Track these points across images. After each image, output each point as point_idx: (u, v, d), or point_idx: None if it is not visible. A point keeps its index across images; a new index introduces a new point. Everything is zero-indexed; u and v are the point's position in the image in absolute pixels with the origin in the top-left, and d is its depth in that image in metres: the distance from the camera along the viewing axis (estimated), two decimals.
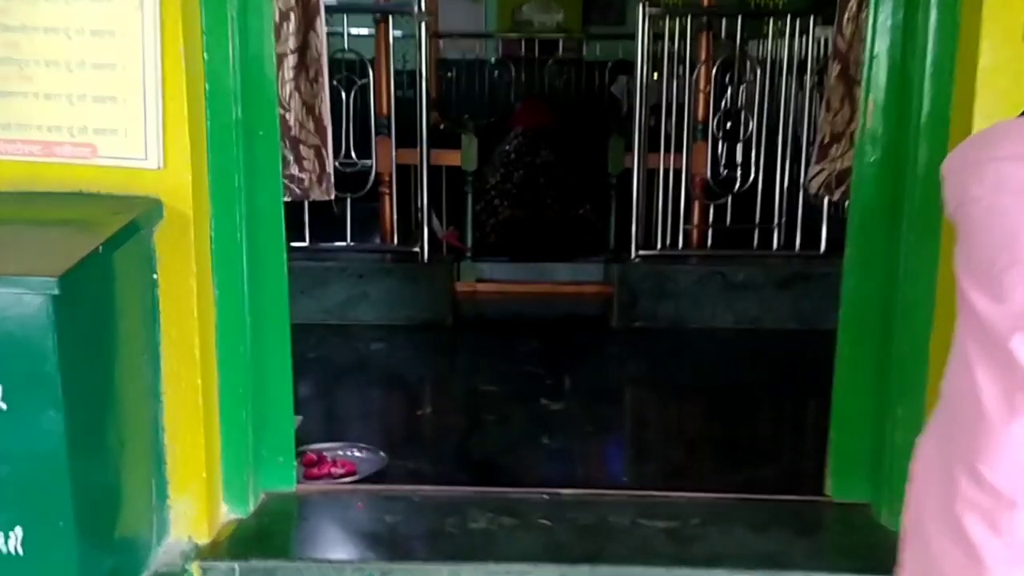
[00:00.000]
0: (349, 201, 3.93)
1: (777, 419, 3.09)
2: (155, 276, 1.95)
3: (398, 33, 7.62)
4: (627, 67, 7.81)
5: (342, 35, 3.97)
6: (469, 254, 4.45)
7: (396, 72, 7.01)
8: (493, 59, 7.55)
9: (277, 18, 2.23)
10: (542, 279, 4.57)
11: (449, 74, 7.53)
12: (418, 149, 3.90)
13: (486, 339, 3.74)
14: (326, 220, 4.72)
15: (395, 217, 4.07)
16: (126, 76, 1.83)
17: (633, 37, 7.17)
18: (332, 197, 2.33)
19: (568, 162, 4.93)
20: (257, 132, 2.14)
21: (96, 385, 1.79)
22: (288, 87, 2.25)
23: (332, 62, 4.23)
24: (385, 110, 4.11)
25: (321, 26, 2.27)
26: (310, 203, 4.01)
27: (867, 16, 2.10)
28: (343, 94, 3.90)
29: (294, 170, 2.28)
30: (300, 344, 3.67)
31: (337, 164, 3.94)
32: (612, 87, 8.06)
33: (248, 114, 2.12)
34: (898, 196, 2.08)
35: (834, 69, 2.29)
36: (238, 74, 2.07)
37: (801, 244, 3.94)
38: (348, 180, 3.98)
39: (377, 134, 4.11)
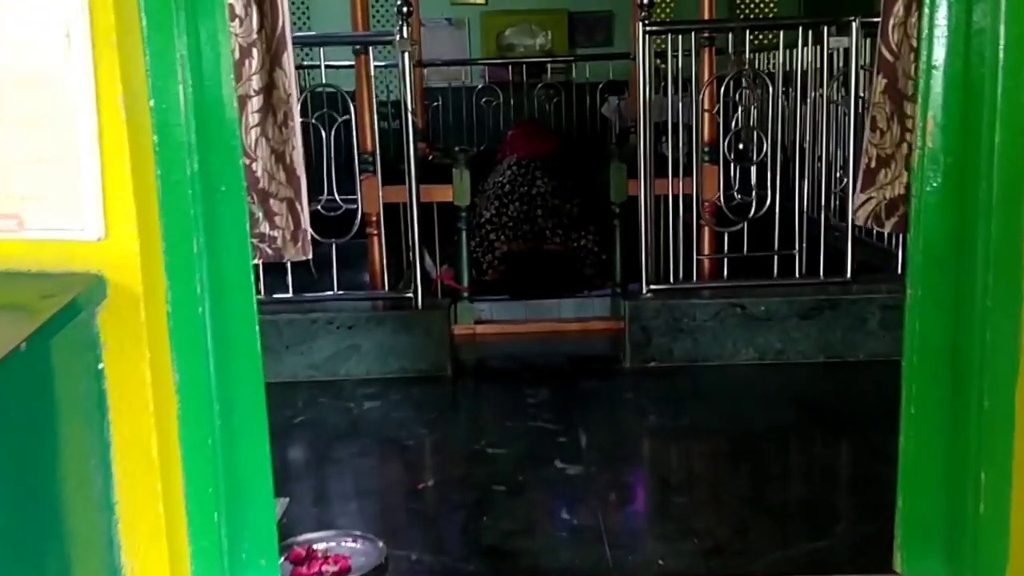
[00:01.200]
0: (335, 247, 3.63)
1: (824, 473, 2.79)
2: (100, 366, 1.64)
3: (381, 63, 7.39)
4: (618, 88, 7.59)
5: (323, 69, 3.68)
6: (466, 294, 4.16)
7: (380, 103, 6.75)
8: (479, 86, 7.28)
9: (237, 55, 1.94)
10: (545, 317, 4.28)
11: (435, 103, 7.26)
12: (407, 186, 3.60)
13: (489, 389, 3.43)
14: (311, 268, 4.44)
15: (385, 260, 3.77)
16: (55, 132, 1.53)
17: (623, 56, 7.03)
18: (309, 256, 2.03)
19: (566, 190, 4.64)
20: (218, 187, 1.84)
21: (30, 501, 1.48)
22: (253, 133, 1.96)
23: (313, 97, 4.01)
24: (369, 146, 3.82)
25: (289, 62, 1.98)
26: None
27: (919, 20, 1.82)
28: (323, 131, 3.61)
29: (264, 228, 1.98)
30: (286, 406, 3.42)
31: (319, 208, 3.66)
32: (602, 108, 7.82)
33: (207, 167, 1.81)
34: (968, 227, 1.79)
35: (879, 83, 2.00)
36: (192, 122, 1.77)
37: (825, 270, 3.65)
38: (332, 224, 3.69)
39: (362, 172, 3.83)
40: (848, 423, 3.10)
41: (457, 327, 4.13)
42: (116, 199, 1.63)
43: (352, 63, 3.80)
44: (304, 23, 8.26)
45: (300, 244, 1.99)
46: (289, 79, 1.97)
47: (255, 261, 1.98)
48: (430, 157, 6.21)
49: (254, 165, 1.97)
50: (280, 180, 1.99)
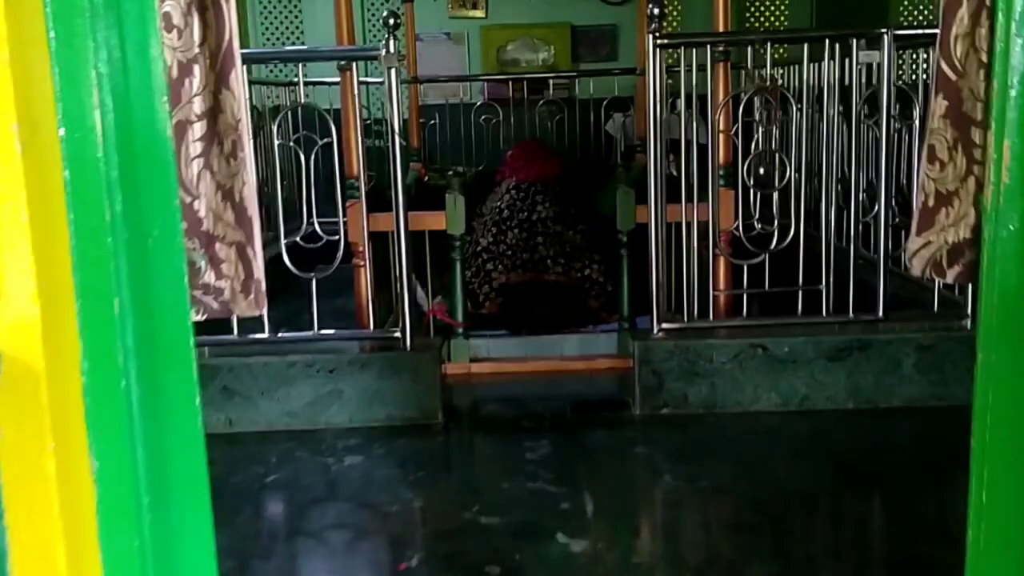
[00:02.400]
0: (315, 283, 3.31)
1: (864, 554, 2.43)
2: None
3: (375, 80, 7.09)
4: (623, 104, 7.28)
5: (301, 86, 3.36)
6: (460, 330, 3.83)
7: (376, 121, 6.47)
8: (479, 102, 6.97)
9: (175, 73, 1.62)
10: (547, 354, 3.95)
11: (432, 121, 6.96)
12: (394, 213, 3.28)
13: (484, 440, 3.09)
14: (289, 305, 4.11)
15: (371, 296, 3.45)
16: None
17: (629, 72, 6.72)
18: (263, 310, 1.70)
19: (569, 216, 4.31)
20: (149, 232, 1.50)
21: None
22: (195, 166, 1.64)
23: (296, 117, 3.74)
24: (355, 169, 3.50)
25: (237, 81, 1.65)
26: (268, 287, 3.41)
27: (991, 30, 1.49)
28: (302, 156, 3.29)
29: (209, 278, 1.65)
30: (258, 461, 3.07)
31: (299, 240, 3.34)
32: (607, 126, 7.51)
33: (134, 209, 1.48)
34: None
35: (938, 106, 1.67)
36: (115, 155, 1.43)
37: (855, 306, 3.32)
38: (314, 256, 3.37)
39: (347, 198, 3.51)
40: (888, 485, 2.76)
41: (450, 366, 3.81)
42: (10, 253, 1.31)
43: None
44: (297, 36, 7.97)
45: (252, 296, 1.67)
46: (238, 101, 1.64)
47: (197, 318, 1.65)
48: (425, 178, 5.91)
49: (196, 204, 1.64)
50: (228, 221, 1.66)
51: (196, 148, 1.63)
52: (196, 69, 1.63)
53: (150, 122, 1.50)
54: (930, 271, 1.74)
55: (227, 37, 1.63)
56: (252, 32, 8.03)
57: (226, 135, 1.64)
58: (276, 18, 8.16)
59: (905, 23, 8.00)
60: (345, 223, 3.48)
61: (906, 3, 8.10)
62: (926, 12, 8.24)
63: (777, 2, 8.43)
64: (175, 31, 1.62)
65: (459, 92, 7.13)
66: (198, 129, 1.63)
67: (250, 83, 5.60)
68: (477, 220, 4.74)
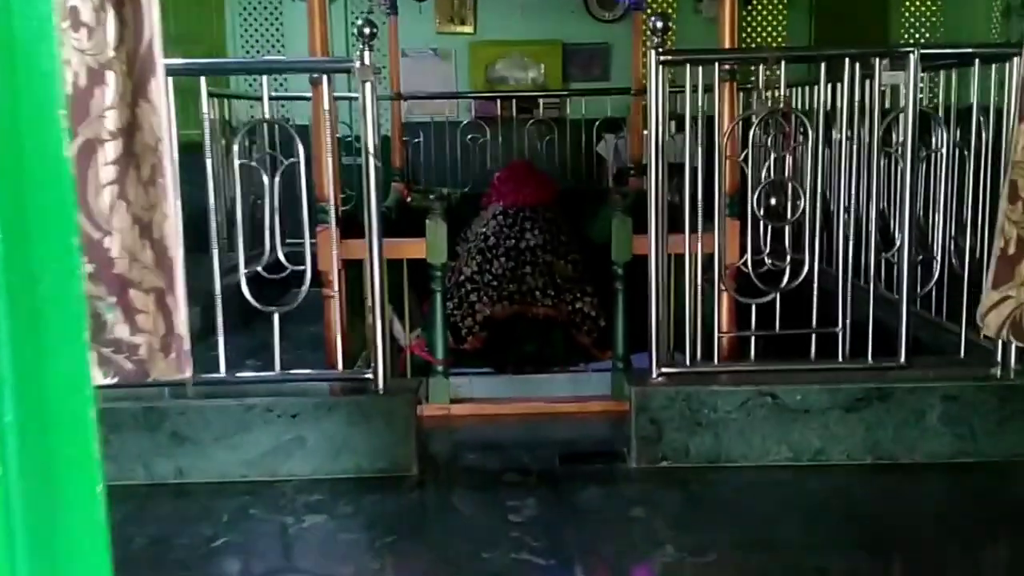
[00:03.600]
0: (277, 319, 2.98)
1: None
2: None
3: (359, 95, 6.77)
4: (615, 125, 7.00)
5: (265, 100, 3.04)
6: (440, 368, 3.51)
7: (357, 138, 6.14)
8: (466, 121, 6.67)
9: (83, 80, 1.30)
10: (534, 395, 3.64)
11: (416, 139, 6.66)
12: (367, 240, 2.96)
13: (463, 498, 2.76)
14: (253, 340, 3.78)
15: (341, 331, 3.12)
16: None
17: (622, 92, 6.45)
18: (186, 374, 1.38)
19: (560, 244, 4.01)
20: (39, 278, 1.20)
21: None
22: (107, 195, 1.32)
23: (269, 134, 3.42)
24: (326, 192, 3.18)
25: (160, 92, 1.34)
26: (226, 319, 3.08)
27: None
28: (265, 177, 2.97)
29: (121, 332, 1.33)
30: (206, 520, 2.62)
31: (261, 270, 3.02)
32: (598, 147, 7.23)
33: (21, 250, 1.17)
34: None
35: (1021, 136, 1.37)
36: None
37: (874, 351, 3.02)
38: (277, 289, 3.05)
39: (317, 223, 3.20)
40: (912, 551, 2.46)
41: (429, 407, 3.48)
42: None
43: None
44: (277, 46, 7.67)
45: (174, 356, 1.35)
46: (159, 116, 1.33)
47: (104, 381, 1.33)
48: (408, 199, 5.60)
49: (107, 241, 1.33)
50: (146, 263, 1.34)
51: (108, 173, 1.32)
52: (110, 77, 1.32)
53: (42, 141, 1.18)
54: (1008, 332, 1.44)
55: (147, 37, 1.32)
56: (230, 40, 7.71)
57: (144, 158, 1.33)
58: (255, 26, 7.86)
59: (903, 43, 7.78)
60: (315, 250, 3.17)
61: (906, 22, 7.88)
62: (925, 31, 8.02)
63: (775, 21, 8.19)
64: (84, 30, 1.30)
65: (445, 110, 6.83)
66: (111, 150, 1.32)
67: (227, 97, 5.29)
68: (462, 245, 4.44)
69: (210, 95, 4.92)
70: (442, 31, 7.97)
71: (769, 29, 8.29)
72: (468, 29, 8.02)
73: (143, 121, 1.32)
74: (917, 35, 7.94)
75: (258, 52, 7.71)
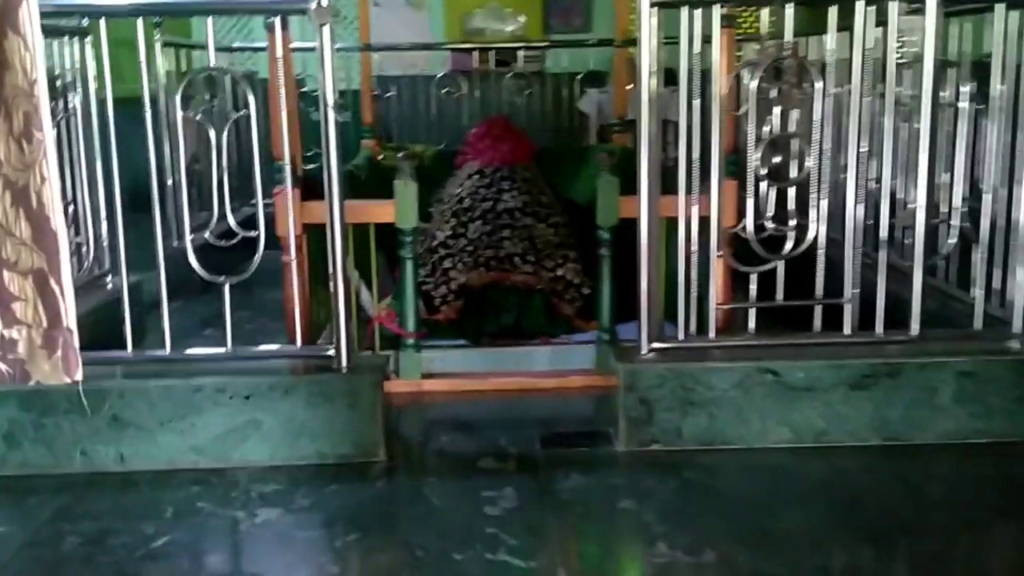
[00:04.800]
0: (228, 289, 2.69)
1: None
2: None
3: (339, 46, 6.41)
4: (599, 79, 6.69)
5: (211, 48, 2.72)
6: (412, 341, 3.24)
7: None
8: (440, 74, 6.33)
9: None
10: (512, 369, 3.37)
11: (388, 94, 6.31)
12: (327, 203, 2.66)
13: (434, 488, 2.50)
14: (207, 309, 3.51)
15: (300, 303, 2.84)
16: None
17: (606, 44, 6.13)
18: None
19: (540, 207, 3.72)
20: None
21: None
22: None
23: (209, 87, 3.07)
24: (289, 149, 2.88)
25: (31, 23, 1.04)
26: (173, 288, 2.80)
27: None
28: (212, 132, 2.66)
29: None
30: (147, 516, 2.26)
31: (208, 236, 2.73)
32: (580, 102, 6.92)
33: None
34: None
35: None
36: None
37: (884, 325, 2.77)
38: (229, 257, 2.76)
39: (273, 184, 2.91)
40: (920, 538, 2.25)
41: (398, 383, 3.22)
42: None
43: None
44: None
45: (60, 354, 1.07)
46: (32, 53, 1.03)
47: None
48: (380, 157, 5.29)
49: None
50: (22, 237, 1.06)
51: None
52: None
53: None
54: None
55: None
56: None
57: (16, 105, 1.04)
58: None
59: None
60: (271, 211, 2.89)
61: None
62: None
63: None
64: None
65: (419, 63, 6.48)
66: None
67: (182, 47, 4.93)
68: (436, 205, 4.15)
69: (166, 44, 4.64)
70: None
71: None
72: None
73: (12, 58, 1.03)
74: None
75: None
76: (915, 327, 2.75)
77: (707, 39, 2.67)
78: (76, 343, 1.07)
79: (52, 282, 1.06)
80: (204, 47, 5.06)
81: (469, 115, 6.18)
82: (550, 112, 6.63)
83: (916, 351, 2.74)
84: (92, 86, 3.13)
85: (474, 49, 6.76)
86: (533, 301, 3.54)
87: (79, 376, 1.07)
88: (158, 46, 4.23)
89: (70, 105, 3.19)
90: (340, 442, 2.64)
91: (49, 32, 3.20)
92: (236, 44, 5.98)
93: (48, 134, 1.05)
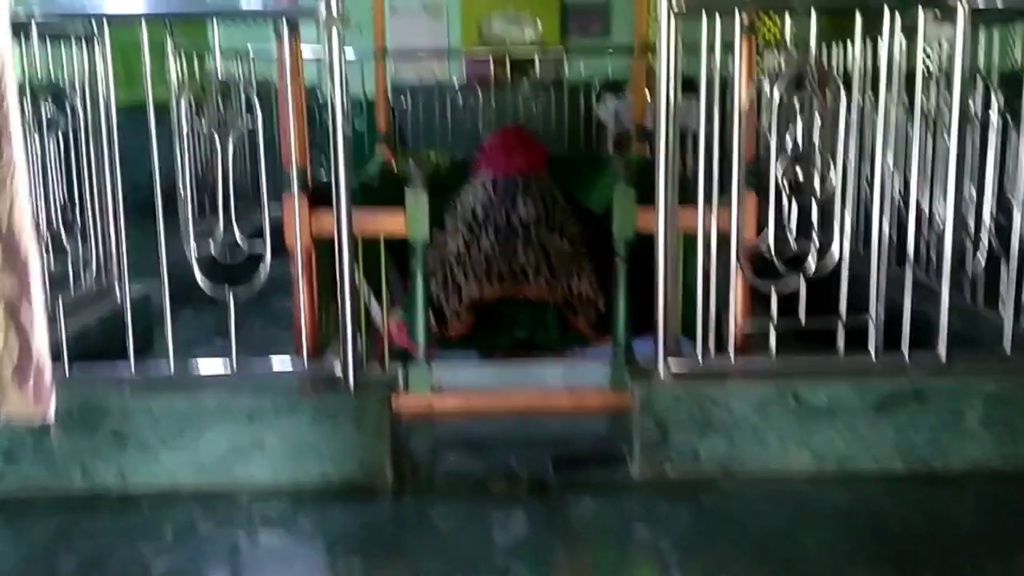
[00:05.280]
0: (232, 303, 2.63)
1: None
2: None
3: (350, 55, 6.35)
4: (617, 87, 6.60)
5: (217, 54, 2.65)
6: (421, 355, 3.15)
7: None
8: (457, 82, 6.26)
9: None
10: (525, 385, 3.27)
11: (403, 102, 6.25)
12: (334, 215, 2.59)
13: (441, 512, 2.42)
14: (217, 319, 3.43)
15: (308, 318, 2.77)
16: None
17: (624, 51, 6.04)
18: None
19: (555, 219, 3.64)
20: None
21: None
22: None
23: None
24: (298, 158, 2.81)
25: (1, 21, 0.96)
26: (184, 296, 2.73)
27: None
28: (218, 143, 2.60)
29: None
30: (148, 536, 2.19)
31: (213, 252, 2.66)
32: (598, 110, 6.84)
33: None
34: None
35: None
36: None
37: (910, 346, 2.67)
38: (235, 273, 2.70)
39: (283, 192, 2.84)
40: (947, 570, 2.14)
41: (408, 398, 3.13)
42: None
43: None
44: None
45: (32, 386, 0.99)
46: (1, 64, 0.96)
47: None
48: (394, 166, 5.22)
49: None
50: None
51: None
52: None
53: None
54: None
55: None
56: None
57: None
58: None
59: None
60: (279, 224, 2.81)
61: None
62: None
63: None
64: None
65: (435, 70, 6.42)
66: None
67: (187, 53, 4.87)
68: (448, 215, 4.07)
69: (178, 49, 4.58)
70: None
71: None
72: None
73: None
74: None
75: None
76: (942, 348, 2.64)
77: (728, 46, 2.59)
78: (48, 375, 0.99)
79: (23, 310, 0.99)
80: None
81: (485, 123, 6.12)
82: (567, 120, 6.55)
83: (943, 373, 2.64)
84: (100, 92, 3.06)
85: (490, 57, 6.70)
86: (546, 315, 3.45)
87: (50, 410, 0.99)
88: (170, 52, 4.16)
89: (77, 112, 3.13)
90: (345, 462, 2.56)
91: (55, 37, 3.18)
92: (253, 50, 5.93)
93: (18, 151, 0.98)
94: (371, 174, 4.63)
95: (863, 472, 2.61)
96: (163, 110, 2.68)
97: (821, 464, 2.61)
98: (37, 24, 2.66)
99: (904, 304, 2.66)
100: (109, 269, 3.39)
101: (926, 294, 2.73)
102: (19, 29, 2.63)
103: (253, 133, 2.72)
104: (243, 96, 4.62)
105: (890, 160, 2.55)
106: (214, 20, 2.60)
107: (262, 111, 2.75)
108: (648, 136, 5.24)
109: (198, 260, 2.66)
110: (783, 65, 2.64)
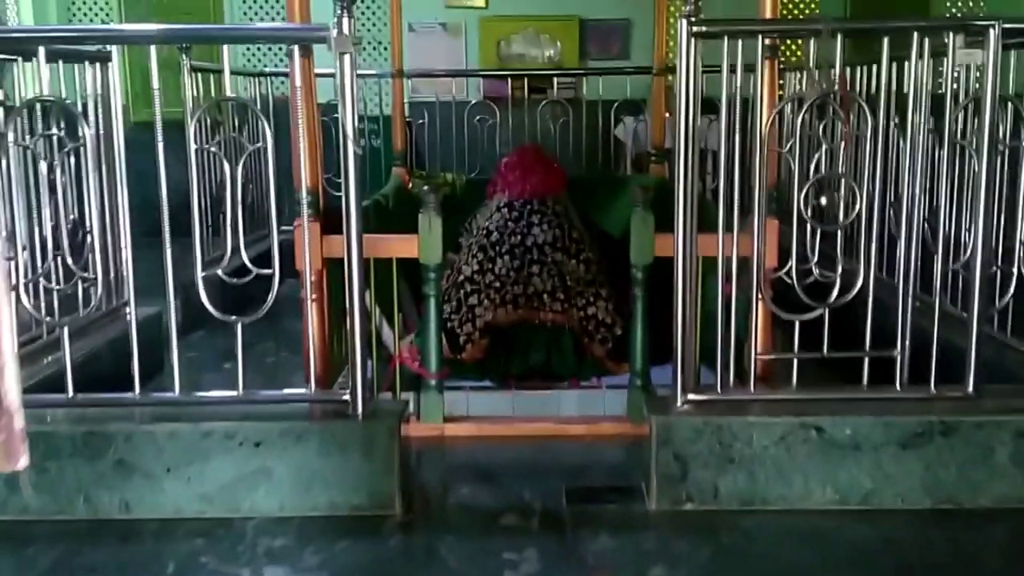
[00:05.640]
0: (241, 329, 2.57)
1: None
2: None
3: (371, 73, 6.33)
4: (635, 107, 6.54)
5: (227, 75, 2.60)
6: (434, 382, 3.09)
7: (358, 118, 5.69)
8: (474, 101, 6.22)
9: None
10: (539, 414, 3.21)
11: (420, 120, 6.22)
12: (344, 238, 2.54)
13: (451, 547, 2.34)
14: (215, 351, 3.40)
15: (317, 343, 2.71)
16: None
17: (643, 71, 5.98)
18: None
19: (571, 241, 3.57)
20: None
21: None
22: None
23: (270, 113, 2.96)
24: (308, 180, 2.76)
25: None
26: (195, 317, 2.68)
27: None
28: (226, 164, 2.55)
29: None
30: (149, 568, 2.15)
31: (220, 272, 2.61)
32: (616, 130, 6.78)
33: None
34: None
35: None
36: None
37: (937, 378, 2.58)
38: (243, 295, 2.65)
39: (293, 216, 2.79)
40: None
41: (419, 426, 3.08)
42: None
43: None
44: (278, 18, 7.23)
45: (2, 438, 0.93)
46: None
47: None
48: (410, 185, 5.18)
49: None
50: None
51: None
52: None
53: None
54: None
55: None
56: (228, 11, 7.28)
57: None
58: None
59: (948, 15, 7.28)
60: (289, 245, 2.76)
61: None
62: (971, 2, 7.51)
63: None
64: None
65: (452, 89, 6.38)
66: None
67: (207, 71, 4.86)
68: (464, 235, 4.01)
69: (194, 70, 4.56)
70: (451, 4, 7.55)
71: (797, 2, 7.83)
72: (479, 2, 7.58)
73: None
74: (960, 4, 7.45)
75: (257, 16, 7.27)
76: (971, 382, 2.55)
77: (748, 68, 2.52)
78: (20, 424, 0.93)
79: None
80: (234, 72, 5.00)
81: (502, 143, 6.07)
82: (585, 140, 6.49)
83: (972, 408, 2.55)
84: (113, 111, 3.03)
85: (508, 76, 6.66)
86: (562, 341, 3.38)
87: (21, 464, 0.93)
88: (185, 71, 4.14)
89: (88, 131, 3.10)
90: (354, 493, 2.50)
91: (69, 57, 3.15)
92: (269, 69, 5.93)
93: None
94: (385, 194, 4.59)
95: (888, 509, 2.52)
96: (182, 127, 2.63)
97: (845, 500, 2.52)
98: (51, 43, 2.62)
99: (933, 336, 2.57)
100: (120, 290, 3.35)
101: (954, 324, 2.64)
102: (31, 49, 2.60)
103: (267, 152, 2.66)
104: (259, 116, 4.62)
105: (917, 187, 2.47)
106: (224, 44, 2.54)
107: (280, 130, 2.70)
108: (666, 156, 5.17)
109: (211, 279, 2.61)
110: (806, 88, 2.57)
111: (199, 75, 4.52)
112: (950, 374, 2.59)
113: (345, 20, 2.41)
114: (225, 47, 2.50)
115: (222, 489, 2.50)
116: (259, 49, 7.38)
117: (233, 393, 2.59)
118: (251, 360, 3.85)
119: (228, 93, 2.56)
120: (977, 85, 2.44)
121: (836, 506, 2.52)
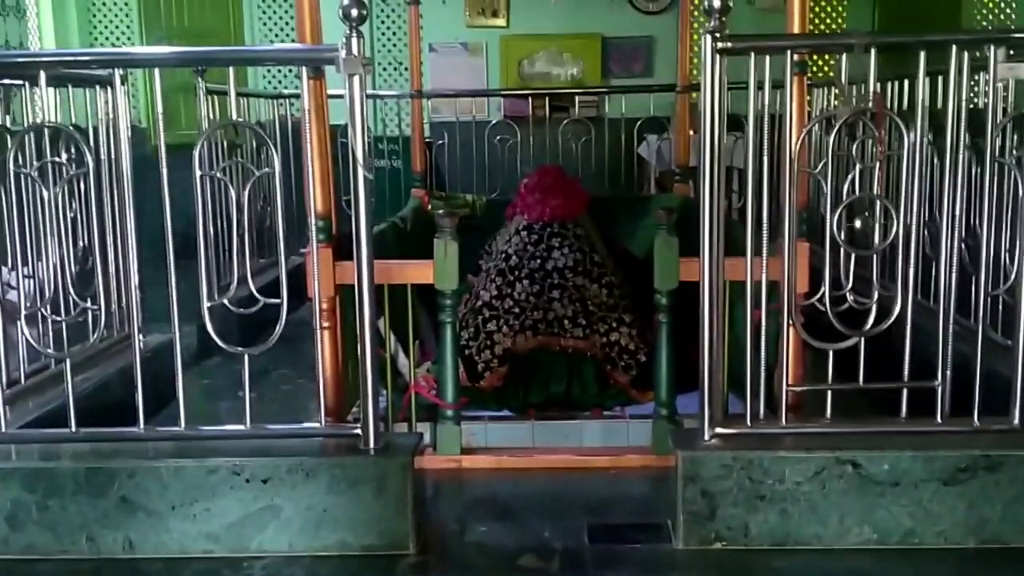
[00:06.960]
0: (248, 360, 2.48)
1: None
2: None
3: (390, 93, 6.27)
4: (659, 126, 6.44)
5: (232, 96, 2.52)
6: (451, 412, 2.98)
7: (376, 139, 5.65)
8: (495, 120, 6.14)
9: None
10: (560, 445, 3.10)
11: (440, 141, 6.14)
12: (355, 264, 2.45)
13: None
14: (228, 379, 3.31)
15: (330, 375, 2.61)
16: None
17: (667, 89, 5.87)
18: None
19: (593, 265, 3.46)
20: None
21: None
22: None
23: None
24: (320, 206, 2.68)
25: None
26: (210, 344, 2.59)
27: None
28: (232, 191, 2.46)
29: None
30: None
31: (227, 302, 2.52)
32: (640, 149, 6.68)
33: None
34: None
35: None
36: None
37: (981, 410, 2.44)
38: (252, 325, 2.56)
39: (304, 242, 2.70)
40: None
41: (436, 458, 2.97)
42: None
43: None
44: (285, 30, 7.21)
45: None
46: None
47: None
48: (428, 208, 5.09)
49: None
50: None
51: None
52: None
53: None
54: None
55: None
56: (248, 35, 7.27)
57: None
58: (275, 19, 7.39)
59: (979, 27, 7.14)
60: (300, 271, 2.68)
61: (983, 6, 7.21)
62: (1002, 15, 7.35)
63: (831, 9, 7.60)
64: None
65: (473, 108, 6.30)
66: None
67: (218, 94, 4.80)
68: (485, 259, 3.91)
69: (211, 92, 4.51)
70: (472, 24, 7.50)
71: (823, 16, 7.71)
72: (500, 22, 7.53)
73: None
74: (992, 16, 7.31)
75: (277, 37, 7.24)
76: (1017, 414, 2.40)
77: (775, 84, 2.41)
78: None
79: None
80: (252, 95, 4.92)
81: (523, 161, 5.98)
82: (608, 159, 6.39)
83: (1018, 441, 2.41)
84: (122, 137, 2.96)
85: (529, 95, 6.58)
86: (584, 368, 3.26)
87: None
88: (201, 94, 4.09)
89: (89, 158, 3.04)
90: (366, 532, 2.39)
91: (78, 81, 3.10)
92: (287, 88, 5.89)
93: None
94: (404, 216, 4.50)
95: (930, 548, 2.37)
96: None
97: (884, 539, 2.38)
98: (52, 68, 2.56)
99: (975, 366, 2.43)
100: (130, 318, 3.27)
101: (998, 352, 2.50)
102: (34, 74, 2.54)
103: (275, 175, 2.58)
104: (266, 140, 4.56)
105: (957, 207, 2.34)
106: (230, 66, 2.46)
107: (299, 152, 2.61)
108: (691, 175, 5.06)
109: (222, 307, 2.52)
110: (836, 104, 2.45)
111: (215, 98, 4.46)
112: (994, 405, 2.45)
113: (354, 41, 2.32)
114: (231, 69, 2.42)
115: (229, 528, 2.40)
116: (279, 71, 7.37)
117: (241, 427, 2.49)
118: (267, 387, 3.77)
119: (234, 116, 2.47)
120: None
121: (874, 546, 2.38)
